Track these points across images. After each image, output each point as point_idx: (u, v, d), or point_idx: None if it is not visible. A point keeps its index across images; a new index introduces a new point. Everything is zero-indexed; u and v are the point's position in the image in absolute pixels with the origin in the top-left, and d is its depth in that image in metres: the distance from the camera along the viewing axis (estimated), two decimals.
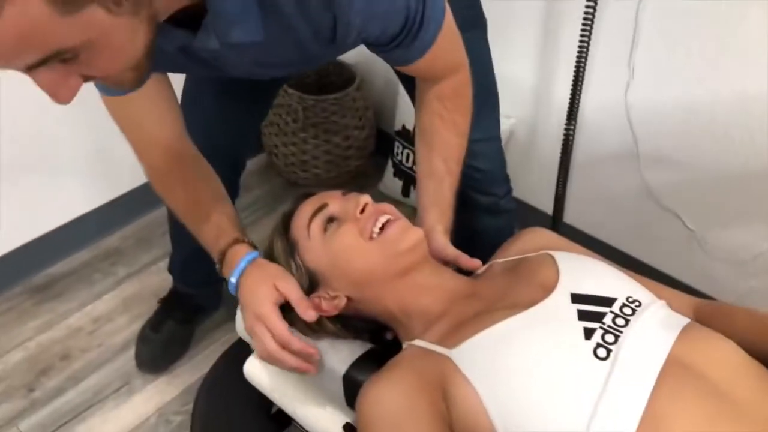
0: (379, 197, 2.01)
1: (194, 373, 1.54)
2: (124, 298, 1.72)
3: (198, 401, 1.13)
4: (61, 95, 0.57)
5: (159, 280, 1.69)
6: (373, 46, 0.84)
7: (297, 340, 0.84)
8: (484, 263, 0.95)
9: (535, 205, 1.87)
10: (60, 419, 1.46)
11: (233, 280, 0.89)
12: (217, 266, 0.93)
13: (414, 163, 1.69)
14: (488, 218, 1.28)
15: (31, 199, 1.70)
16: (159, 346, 1.55)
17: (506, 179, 1.33)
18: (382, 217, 0.85)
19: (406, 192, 1.97)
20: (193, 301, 1.59)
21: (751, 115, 1.39)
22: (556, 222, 1.69)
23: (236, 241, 0.92)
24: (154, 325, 1.57)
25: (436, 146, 1.00)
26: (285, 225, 0.91)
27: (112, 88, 0.80)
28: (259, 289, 0.86)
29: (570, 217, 1.80)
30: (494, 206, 1.28)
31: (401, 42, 0.82)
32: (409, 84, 1.05)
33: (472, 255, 0.96)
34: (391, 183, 2.00)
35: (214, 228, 0.94)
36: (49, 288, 1.74)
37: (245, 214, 1.97)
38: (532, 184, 1.86)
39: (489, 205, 1.27)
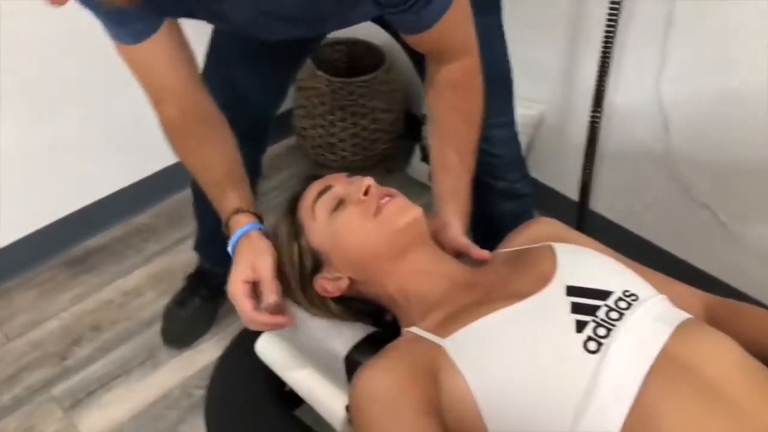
0: (406, 181, 2.01)
1: (217, 349, 1.58)
2: (153, 274, 1.77)
3: (214, 377, 1.16)
4: None
5: (188, 257, 1.73)
6: (384, 7, 0.83)
7: (262, 316, 0.88)
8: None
9: (562, 191, 1.84)
10: (89, 386, 1.52)
11: (229, 249, 0.93)
12: (224, 231, 0.96)
13: None
14: (504, 203, 1.27)
15: (69, 176, 1.77)
16: (184, 321, 1.60)
17: (522, 164, 1.32)
18: (385, 198, 0.85)
19: None
20: (218, 279, 1.61)
21: None
22: (582, 209, 1.66)
23: (237, 211, 0.94)
24: (180, 301, 1.62)
25: (450, 139, 1.00)
26: (292, 206, 0.92)
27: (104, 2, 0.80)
28: (239, 264, 0.89)
29: (598, 205, 1.76)
30: (509, 190, 1.27)
31: (414, 4, 0.81)
32: (419, 65, 1.05)
33: (489, 240, 0.96)
34: (419, 166, 2.00)
35: (221, 193, 0.97)
36: (83, 261, 1.81)
37: (272, 195, 2.00)
38: (561, 171, 1.83)
39: (504, 189, 1.26)
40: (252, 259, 0.89)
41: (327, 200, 0.87)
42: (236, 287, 0.88)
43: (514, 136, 1.28)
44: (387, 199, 0.85)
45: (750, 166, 1.45)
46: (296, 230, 0.89)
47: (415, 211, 0.85)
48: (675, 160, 1.56)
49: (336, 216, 0.86)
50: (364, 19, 1.00)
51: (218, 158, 0.99)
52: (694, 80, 1.46)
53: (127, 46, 0.90)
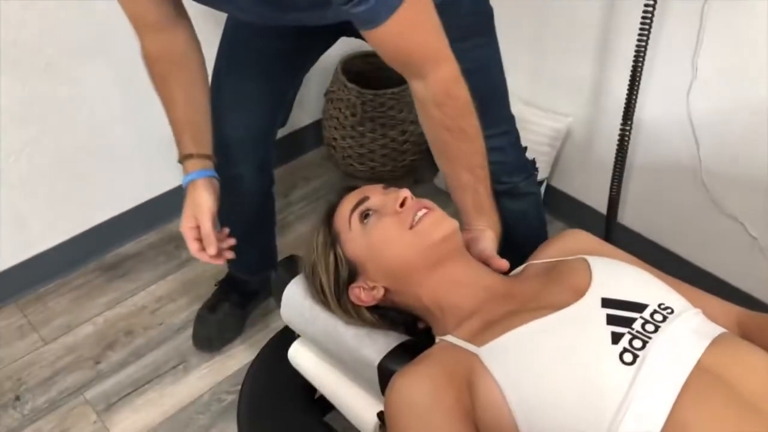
0: (434, 192, 2.03)
1: (247, 355, 1.61)
2: (185, 281, 1.81)
3: (246, 382, 1.19)
4: None
5: (219, 265, 1.75)
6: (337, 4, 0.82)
7: (203, 255, 1.07)
8: (509, 250, 0.97)
9: (590, 204, 1.85)
10: (122, 391, 1.56)
11: (183, 186, 1.09)
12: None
13: None
14: (509, 201, 1.25)
15: (104, 183, 1.81)
16: (215, 326, 1.63)
17: (524, 166, 1.32)
18: (421, 211, 0.87)
19: None
20: (248, 286, 1.66)
21: None
22: (609, 222, 1.66)
23: (189, 156, 1.10)
24: (211, 306, 1.64)
25: (455, 159, 1.00)
26: (328, 217, 0.94)
27: None
28: (186, 211, 1.07)
29: (626, 218, 1.76)
30: (513, 190, 1.27)
31: None
32: None
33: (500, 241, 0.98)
34: None
35: (180, 134, 1.11)
36: (118, 267, 1.85)
37: (301, 205, 2.03)
38: (588, 184, 1.83)
39: (507, 189, 1.26)
40: (194, 212, 1.06)
41: (363, 211, 0.89)
42: (185, 230, 1.07)
43: (513, 142, 1.28)
44: (423, 211, 0.87)
45: None
46: (332, 240, 0.92)
47: (450, 224, 0.87)
48: (704, 174, 1.55)
49: (372, 227, 0.88)
50: (320, 20, 1.02)
51: (181, 100, 1.10)
52: (724, 94, 1.46)
53: None
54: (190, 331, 1.65)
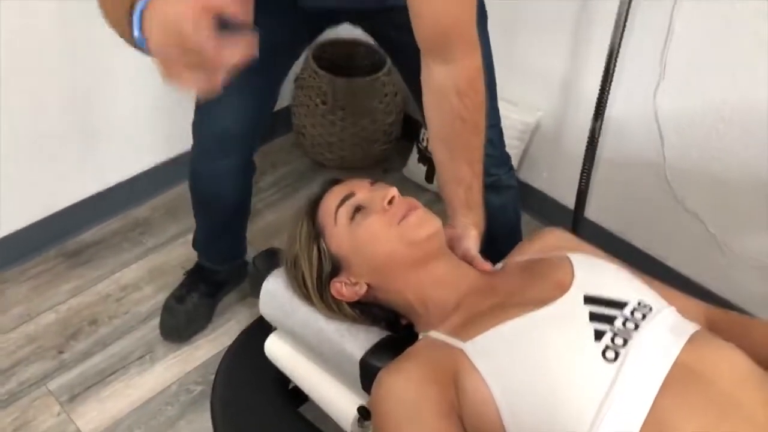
0: (403, 182, 2.04)
1: (215, 345, 1.59)
2: (151, 268, 1.77)
3: (219, 373, 1.17)
4: None
5: (186, 251, 1.73)
6: None
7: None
8: (486, 243, 0.99)
9: (558, 199, 1.88)
10: (86, 381, 1.52)
11: (135, 18, 0.69)
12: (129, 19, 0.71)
13: None
14: (491, 195, 1.26)
15: (66, 168, 1.76)
16: (183, 317, 1.61)
17: (507, 159, 1.36)
18: (409, 211, 0.87)
19: (429, 178, 1.99)
20: (217, 276, 1.64)
21: None
22: (577, 217, 1.70)
23: None
24: (179, 297, 1.62)
25: (459, 150, 1.00)
26: (312, 209, 0.94)
27: None
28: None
29: (591, 213, 1.80)
30: (496, 183, 1.30)
31: None
32: (415, 92, 1.04)
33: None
34: (415, 168, 2.02)
35: None
36: (80, 254, 1.80)
37: (270, 192, 2.01)
38: (556, 178, 1.86)
39: (491, 183, 1.26)
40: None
41: (350, 207, 0.89)
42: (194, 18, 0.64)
43: (500, 135, 1.31)
44: (408, 207, 0.88)
45: (741, 179, 1.50)
46: (316, 233, 0.91)
47: (434, 224, 0.88)
48: (668, 171, 1.60)
49: (358, 223, 0.88)
50: None
51: None
52: (690, 93, 1.50)
53: None
54: (156, 321, 1.63)
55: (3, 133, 1.59)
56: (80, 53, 1.63)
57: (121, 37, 0.75)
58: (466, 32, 0.92)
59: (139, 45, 0.71)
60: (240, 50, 0.65)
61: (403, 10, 0.91)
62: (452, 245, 0.96)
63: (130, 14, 0.70)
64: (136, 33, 0.70)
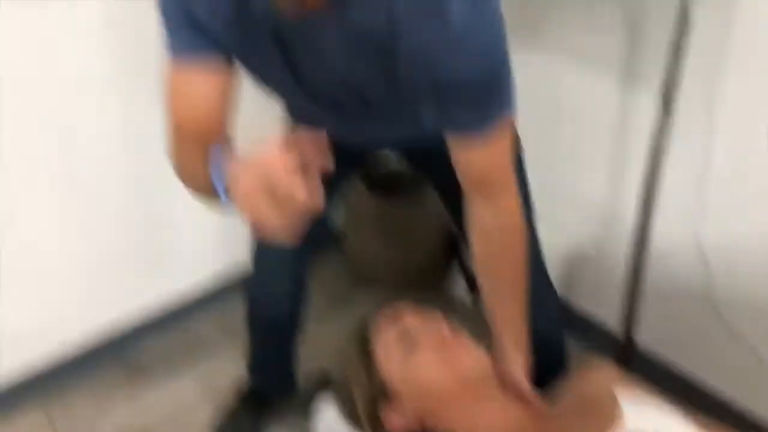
0: (448, 300, 2.06)
1: None
2: (206, 387, 1.78)
3: None
4: None
5: (241, 369, 1.71)
6: (439, 92, 0.80)
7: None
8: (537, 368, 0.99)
9: (603, 323, 1.87)
10: None
11: (219, 183, 0.77)
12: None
13: None
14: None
15: (124, 285, 1.84)
16: None
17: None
18: (460, 347, 0.91)
19: (474, 297, 2.01)
20: (268, 399, 1.66)
21: None
22: (627, 342, 1.67)
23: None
24: (229, 418, 1.63)
25: (507, 290, 1.03)
26: (364, 336, 0.98)
27: None
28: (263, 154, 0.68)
29: (640, 343, 1.77)
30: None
31: (474, 94, 0.79)
32: (453, 209, 1.07)
33: None
34: (460, 286, 2.06)
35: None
36: (139, 369, 1.84)
37: (314, 309, 2.04)
38: (600, 302, 1.86)
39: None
40: (280, 139, 0.67)
41: (402, 339, 0.93)
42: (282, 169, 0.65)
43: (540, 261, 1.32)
44: (460, 346, 0.91)
45: None
46: (369, 363, 0.94)
47: (484, 361, 0.91)
48: (716, 297, 1.59)
49: (413, 359, 0.91)
50: (411, 126, 0.95)
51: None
52: (735, 221, 1.51)
53: (178, 67, 0.85)
54: None
55: (62, 247, 1.68)
56: (146, 180, 1.74)
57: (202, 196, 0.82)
58: (503, 175, 0.96)
59: (221, 195, 0.78)
60: (318, 194, 0.67)
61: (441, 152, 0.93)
62: (503, 380, 0.98)
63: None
64: (218, 185, 0.77)
